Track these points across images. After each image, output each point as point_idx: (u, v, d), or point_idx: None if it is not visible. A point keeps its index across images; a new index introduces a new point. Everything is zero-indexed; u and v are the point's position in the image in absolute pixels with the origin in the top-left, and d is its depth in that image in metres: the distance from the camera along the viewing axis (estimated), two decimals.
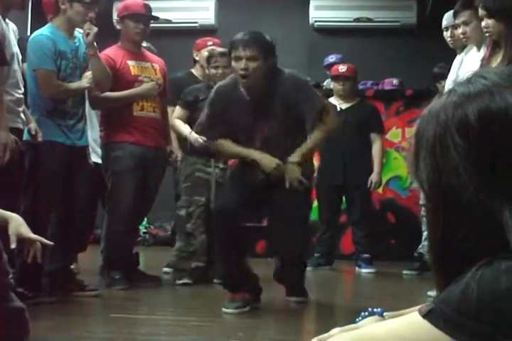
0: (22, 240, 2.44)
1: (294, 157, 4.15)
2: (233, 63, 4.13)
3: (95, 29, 4.55)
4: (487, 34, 3.83)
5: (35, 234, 2.49)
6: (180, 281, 5.21)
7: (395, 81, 7.72)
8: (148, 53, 5.35)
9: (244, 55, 4.06)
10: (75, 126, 4.48)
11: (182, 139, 5.42)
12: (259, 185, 4.24)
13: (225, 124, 4.30)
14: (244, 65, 4.05)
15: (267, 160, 4.16)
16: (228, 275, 4.28)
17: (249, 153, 4.23)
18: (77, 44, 4.60)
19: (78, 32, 4.68)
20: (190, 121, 5.36)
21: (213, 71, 5.36)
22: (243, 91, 4.20)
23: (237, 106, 4.21)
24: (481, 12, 3.80)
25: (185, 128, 5.33)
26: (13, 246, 2.38)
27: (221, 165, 5.35)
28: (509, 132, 0.98)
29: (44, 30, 4.53)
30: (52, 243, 2.65)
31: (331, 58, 7.26)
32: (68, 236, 4.39)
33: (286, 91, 4.15)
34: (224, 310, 4.09)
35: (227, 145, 4.32)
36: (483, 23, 3.80)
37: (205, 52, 5.71)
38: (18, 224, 2.43)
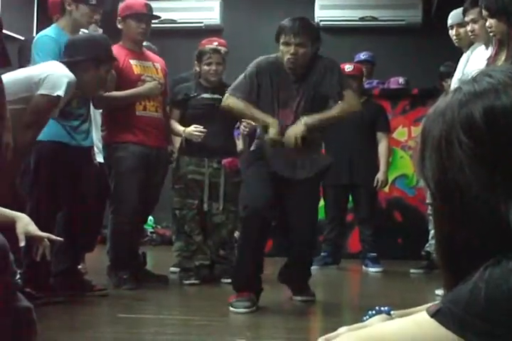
0: (30, 238, 2.45)
1: (306, 119, 4.25)
2: (282, 47, 4.31)
3: (100, 31, 4.56)
4: (491, 34, 3.84)
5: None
6: (188, 281, 5.21)
7: (400, 80, 7.72)
8: (149, 53, 5.35)
9: (294, 42, 4.25)
10: (80, 126, 4.48)
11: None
12: (273, 179, 4.28)
13: (256, 94, 4.36)
14: (293, 51, 4.25)
15: (273, 130, 4.25)
16: (245, 275, 4.29)
17: (264, 116, 4.32)
18: None
19: (83, 33, 4.68)
20: (182, 119, 5.35)
21: (206, 68, 5.35)
22: (285, 69, 4.35)
23: (280, 81, 4.34)
24: (483, 12, 3.80)
25: (179, 127, 5.33)
26: (22, 244, 2.39)
27: (215, 165, 5.32)
28: None
29: (48, 31, 4.54)
30: (61, 239, 2.66)
31: (363, 55, 7.27)
32: (75, 237, 4.39)
33: (319, 70, 4.36)
34: (233, 309, 4.09)
35: (243, 104, 4.35)
36: (487, 23, 3.81)
37: None
38: (25, 223, 2.45)
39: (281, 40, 4.29)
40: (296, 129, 4.23)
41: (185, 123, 5.30)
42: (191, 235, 5.30)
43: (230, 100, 4.40)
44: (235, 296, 4.19)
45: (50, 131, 4.28)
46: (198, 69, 5.43)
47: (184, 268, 5.34)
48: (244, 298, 4.15)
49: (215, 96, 5.31)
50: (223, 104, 4.49)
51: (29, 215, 2.58)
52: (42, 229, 2.57)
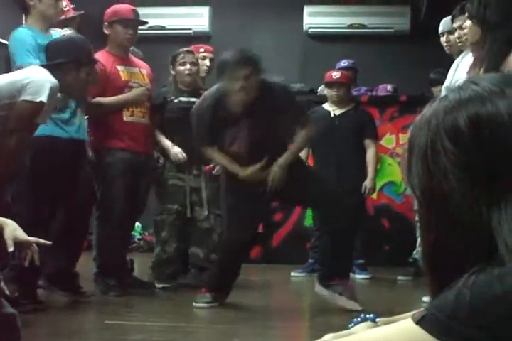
0: (19, 243, 2.44)
1: (280, 161, 4.37)
2: (228, 82, 4.33)
3: (72, 32, 4.57)
4: (464, 37, 3.87)
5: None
6: (160, 285, 5.29)
7: (389, 87, 7.74)
8: (134, 58, 5.34)
9: (242, 75, 4.28)
10: (71, 119, 4.45)
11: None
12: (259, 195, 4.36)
13: (213, 130, 4.45)
14: (243, 84, 4.29)
15: (246, 172, 4.37)
16: (223, 284, 4.50)
17: (232, 167, 4.44)
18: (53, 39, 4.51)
19: (53, 31, 4.63)
20: (161, 122, 5.34)
21: (181, 68, 5.39)
22: (229, 102, 4.39)
23: (226, 114, 4.38)
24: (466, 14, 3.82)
25: (167, 142, 5.33)
26: (10, 249, 2.38)
27: (195, 172, 5.37)
28: (499, 138, 0.99)
29: (21, 29, 4.48)
30: (49, 242, 2.65)
31: (344, 63, 7.29)
32: (71, 235, 4.40)
33: (277, 99, 4.39)
34: (195, 305, 4.38)
35: (217, 155, 4.55)
36: (463, 24, 3.84)
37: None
38: (13, 228, 2.44)
39: (228, 75, 4.32)
40: (276, 175, 4.33)
41: (163, 127, 5.31)
42: (168, 241, 5.35)
43: (208, 152, 4.58)
44: (200, 291, 4.48)
45: (40, 126, 4.24)
46: (173, 72, 5.46)
47: (156, 272, 5.42)
48: (206, 294, 4.45)
49: (192, 99, 5.35)
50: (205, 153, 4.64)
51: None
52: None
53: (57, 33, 4.68)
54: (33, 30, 4.44)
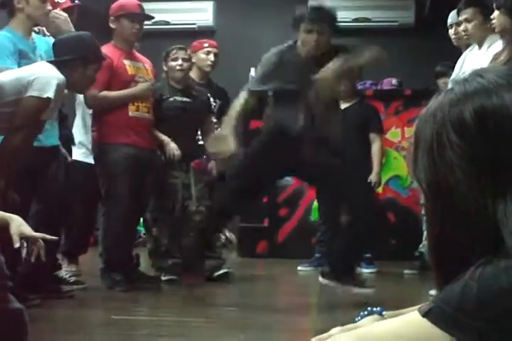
0: (25, 239, 2.45)
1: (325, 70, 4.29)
2: (303, 35, 4.38)
3: (64, 14, 4.57)
4: (493, 26, 3.89)
5: None
6: (165, 278, 5.32)
7: (394, 81, 7.73)
8: (138, 53, 5.34)
9: (317, 29, 4.34)
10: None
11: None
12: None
13: (276, 80, 4.40)
14: (316, 38, 4.35)
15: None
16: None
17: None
18: (35, 44, 4.46)
19: (34, 32, 4.60)
20: (157, 120, 5.32)
21: (173, 64, 5.42)
22: (299, 53, 4.43)
23: (294, 64, 4.41)
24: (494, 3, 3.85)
25: (163, 136, 5.32)
26: (16, 245, 2.39)
27: (184, 168, 5.41)
28: (504, 130, 0.99)
29: (1, 32, 4.42)
30: (56, 238, 2.65)
31: None
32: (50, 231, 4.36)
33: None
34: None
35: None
36: (492, 15, 3.86)
37: (201, 54, 5.72)
38: (19, 224, 2.44)
39: (303, 28, 4.35)
40: (323, 83, 4.27)
41: (158, 125, 5.32)
42: (159, 238, 5.39)
43: (239, 100, 4.45)
44: None
45: None
46: (165, 68, 5.48)
47: (157, 266, 5.44)
48: None
49: (185, 99, 5.36)
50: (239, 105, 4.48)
51: None
52: None
53: (39, 37, 4.63)
54: (14, 34, 4.32)
